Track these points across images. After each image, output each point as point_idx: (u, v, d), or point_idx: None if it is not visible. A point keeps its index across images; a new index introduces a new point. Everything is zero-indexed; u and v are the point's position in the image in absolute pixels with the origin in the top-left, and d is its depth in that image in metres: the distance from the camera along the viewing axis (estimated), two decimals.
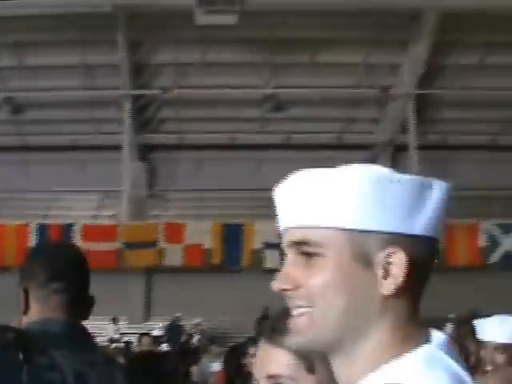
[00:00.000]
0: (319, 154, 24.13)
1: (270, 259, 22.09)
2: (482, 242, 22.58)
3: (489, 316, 4.72)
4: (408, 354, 1.41)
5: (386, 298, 1.43)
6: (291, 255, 1.48)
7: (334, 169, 1.44)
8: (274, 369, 1.95)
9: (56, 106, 23.13)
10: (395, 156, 24.99)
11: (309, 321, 1.45)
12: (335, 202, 1.42)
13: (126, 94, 22.83)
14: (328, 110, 23.78)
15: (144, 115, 24.08)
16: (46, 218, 23.31)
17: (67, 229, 22.06)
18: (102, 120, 23.73)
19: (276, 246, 21.88)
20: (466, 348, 5.76)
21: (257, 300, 20.09)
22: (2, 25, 20.89)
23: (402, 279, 1.41)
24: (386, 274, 1.42)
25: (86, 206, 24.26)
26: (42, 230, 21.97)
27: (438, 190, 1.46)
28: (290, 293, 1.46)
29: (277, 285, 1.46)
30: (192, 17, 18.71)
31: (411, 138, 23.49)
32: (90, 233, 22.10)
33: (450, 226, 22.35)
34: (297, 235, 1.46)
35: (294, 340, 1.50)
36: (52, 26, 20.94)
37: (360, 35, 21.64)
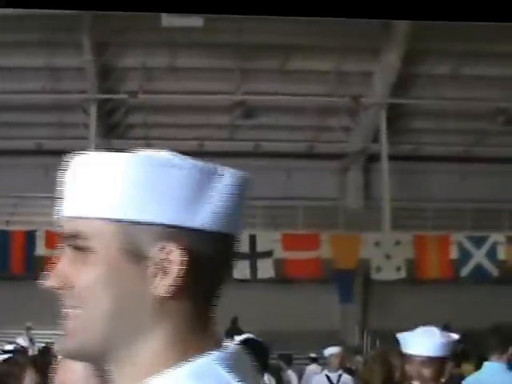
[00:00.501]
0: (290, 162, 23.80)
1: (240, 269, 21.78)
2: (454, 254, 22.25)
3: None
4: (178, 367, 1.24)
5: (162, 300, 1.25)
6: (67, 249, 1.30)
7: (107, 153, 1.29)
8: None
9: (20, 109, 22.58)
10: (367, 166, 24.66)
11: (77, 324, 1.28)
12: (102, 190, 1.25)
13: (92, 98, 22.28)
14: (299, 118, 23.41)
15: (111, 120, 23.57)
16: (9, 224, 22.76)
17: (30, 235, 21.49)
18: (67, 124, 23.21)
19: (246, 256, 21.56)
20: (389, 363, 5.62)
21: (226, 310, 19.70)
22: None
23: (178, 278, 1.23)
24: (161, 273, 1.24)
25: (50, 211, 23.56)
26: (5, 236, 21.43)
27: (227, 178, 1.28)
28: (63, 292, 1.28)
29: (48, 282, 1.29)
30: (158, 19, 18.25)
31: (383, 148, 23.11)
32: (54, 239, 21.50)
33: (420, 238, 22.21)
34: (69, 227, 1.30)
35: (62, 345, 1.31)
36: (15, 27, 20.40)
37: (331, 42, 21.25)
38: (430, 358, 4.47)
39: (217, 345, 1.28)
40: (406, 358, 4.66)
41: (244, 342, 8.12)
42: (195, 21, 17.58)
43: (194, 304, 1.28)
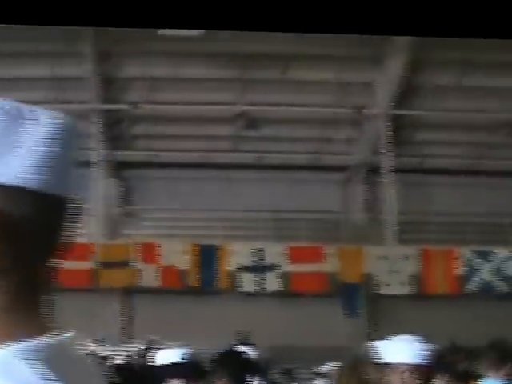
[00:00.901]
0: (293, 174, 23.56)
1: (247, 282, 21.60)
2: (460, 269, 22.01)
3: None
4: None
5: None
6: None
7: None
8: None
9: None
10: (371, 178, 24.40)
11: None
12: None
13: (95, 109, 22.04)
14: (302, 129, 23.18)
15: (115, 131, 23.32)
16: None
17: None
18: None
19: (252, 269, 21.37)
20: (358, 375, 5.08)
21: (233, 324, 19.49)
22: None
23: None
24: None
25: None
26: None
27: (43, 122, 1.08)
28: None
29: None
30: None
31: (386, 161, 22.84)
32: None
33: (426, 253, 21.96)
34: None
35: None
36: (17, 37, 20.15)
37: (333, 51, 20.96)
38: (414, 365, 4.30)
39: (42, 332, 1.06)
40: (384, 368, 4.43)
41: (227, 355, 8.11)
42: (192, 30, 17.31)
43: (8, 277, 1.05)
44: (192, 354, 6.11)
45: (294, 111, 22.48)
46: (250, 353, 9.18)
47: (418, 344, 4.50)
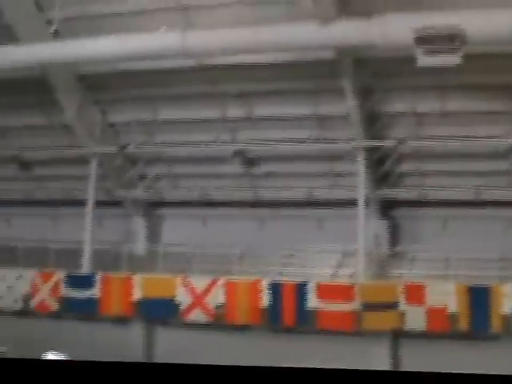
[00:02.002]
0: None
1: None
2: None
3: None
4: None
5: None
6: None
7: None
8: None
9: (287, 159, 22.58)
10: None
11: None
12: None
13: (359, 146, 21.60)
14: None
15: (381, 168, 22.71)
16: (281, 275, 22.58)
17: (301, 287, 21.11)
18: (336, 174, 22.78)
19: None
20: None
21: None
22: (229, 74, 20.81)
23: None
24: None
25: (323, 263, 23.20)
26: (275, 287, 21.23)
27: None
28: None
29: None
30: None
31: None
32: (326, 292, 20.98)
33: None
34: None
35: None
36: (275, 76, 20.51)
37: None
38: None
39: None
40: None
41: None
42: (452, 58, 16.33)
43: None
44: None
45: None
46: None
47: None
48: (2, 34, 20.61)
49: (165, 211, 25.91)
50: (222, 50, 18.19)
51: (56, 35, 19.42)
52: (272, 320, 20.97)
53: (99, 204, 24.01)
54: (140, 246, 25.38)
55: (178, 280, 21.76)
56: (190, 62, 20.83)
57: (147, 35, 18.22)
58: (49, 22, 20.47)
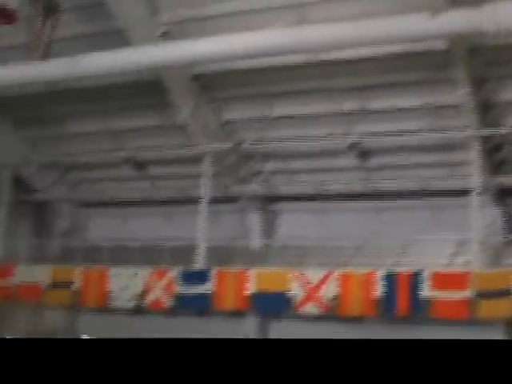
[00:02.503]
0: None
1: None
2: None
3: None
4: None
5: None
6: None
7: None
8: None
9: (402, 150, 22.79)
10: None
11: None
12: None
13: (473, 135, 21.60)
14: None
15: (496, 156, 22.59)
16: (396, 265, 22.74)
17: (415, 277, 21.25)
18: (450, 163, 22.81)
19: None
20: None
21: None
22: (342, 69, 21.19)
23: None
24: None
25: (437, 253, 23.25)
26: (390, 278, 21.44)
27: None
28: None
29: None
30: None
31: None
32: (440, 281, 21.07)
33: None
34: None
35: None
36: (387, 69, 20.77)
37: None
38: None
39: None
40: None
41: None
42: None
43: None
44: None
45: None
46: None
47: None
48: (115, 39, 21.52)
49: (280, 206, 26.36)
50: (337, 44, 18.53)
51: (165, 37, 20.04)
52: (386, 310, 21.17)
53: (214, 201, 24.70)
54: (255, 241, 25.89)
55: (292, 274, 22.18)
56: (304, 58, 21.30)
57: (262, 32, 18.70)
58: (160, 25, 21.33)
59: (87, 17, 22.53)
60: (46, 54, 19.38)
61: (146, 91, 24.05)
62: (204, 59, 20.49)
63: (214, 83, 23.73)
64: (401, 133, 22.28)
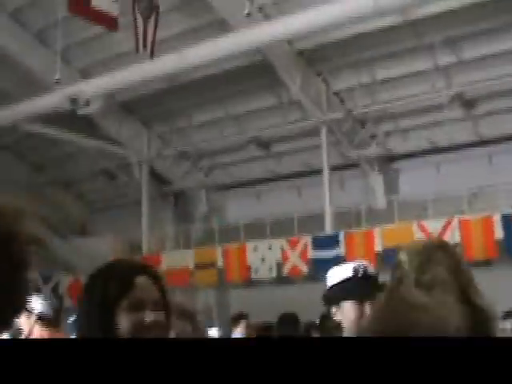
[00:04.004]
0: None
1: None
2: None
3: None
4: None
5: None
6: None
7: None
8: None
9: (507, 95, 23.10)
10: None
11: None
12: None
13: None
14: None
15: None
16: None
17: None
18: None
19: None
20: None
21: None
22: (436, 24, 21.73)
23: None
24: None
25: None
26: (507, 219, 21.87)
27: None
28: None
29: None
30: None
31: None
32: None
33: None
34: None
35: None
36: (478, 16, 21.10)
37: None
38: None
39: None
40: None
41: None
42: None
43: None
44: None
45: None
46: None
47: None
48: (216, 29, 22.85)
49: (398, 164, 27.15)
50: None
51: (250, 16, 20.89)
52: (509, 251, 21.64)
53: (336, 168, 25.76)
54: (379, 201, 26.76)
55: (414, 226, 22.96)
56: (396, 20, 22.03)
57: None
58: (258, 7, 22.48)
59: (186, 13, 23.97)
60: (153, 53, 20.70)
61: (258, 74, 25.27)
62: (304, 34, 21.46)
63: (318, 56, 24.73)
64: (504, 77, 22.56)
